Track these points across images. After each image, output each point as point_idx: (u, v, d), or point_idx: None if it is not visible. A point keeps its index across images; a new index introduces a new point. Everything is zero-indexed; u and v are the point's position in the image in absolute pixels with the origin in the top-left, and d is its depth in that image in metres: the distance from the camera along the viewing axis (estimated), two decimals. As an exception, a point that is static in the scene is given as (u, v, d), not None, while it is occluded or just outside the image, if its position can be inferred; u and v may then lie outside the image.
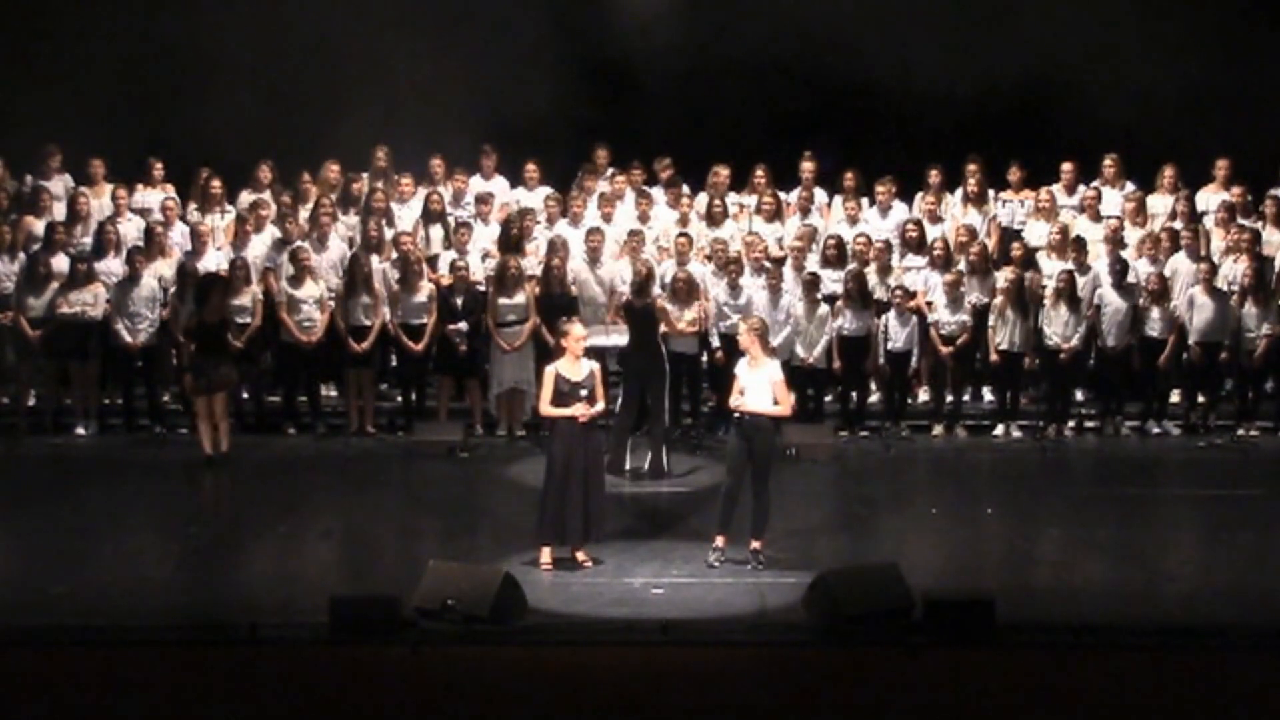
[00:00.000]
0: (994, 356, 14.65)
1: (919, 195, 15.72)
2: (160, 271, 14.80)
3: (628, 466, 13.26)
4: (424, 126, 15.57)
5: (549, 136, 15.99)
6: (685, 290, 13.92)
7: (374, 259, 14.83)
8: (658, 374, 13.35)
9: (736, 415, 10.74)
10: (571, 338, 10.85)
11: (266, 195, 15.56)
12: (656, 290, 14.00)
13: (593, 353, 14.42)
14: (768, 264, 14.74)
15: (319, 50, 15.94)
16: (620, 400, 13.51)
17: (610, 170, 15.99)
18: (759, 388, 10.70)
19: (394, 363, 15.22)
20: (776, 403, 10.74)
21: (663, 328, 13.56)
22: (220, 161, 15.69)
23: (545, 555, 10.63)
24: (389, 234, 15.18)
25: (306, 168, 15.75)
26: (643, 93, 16.55)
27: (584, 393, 10.68)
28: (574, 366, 10.78)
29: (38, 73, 15.79)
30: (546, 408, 10.80)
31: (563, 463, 10.64)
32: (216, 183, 15.54)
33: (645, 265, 13.80)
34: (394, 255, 14.90)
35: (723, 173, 15.66)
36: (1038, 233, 15.33)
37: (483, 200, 15.51)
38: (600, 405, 10.86)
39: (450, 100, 15.37)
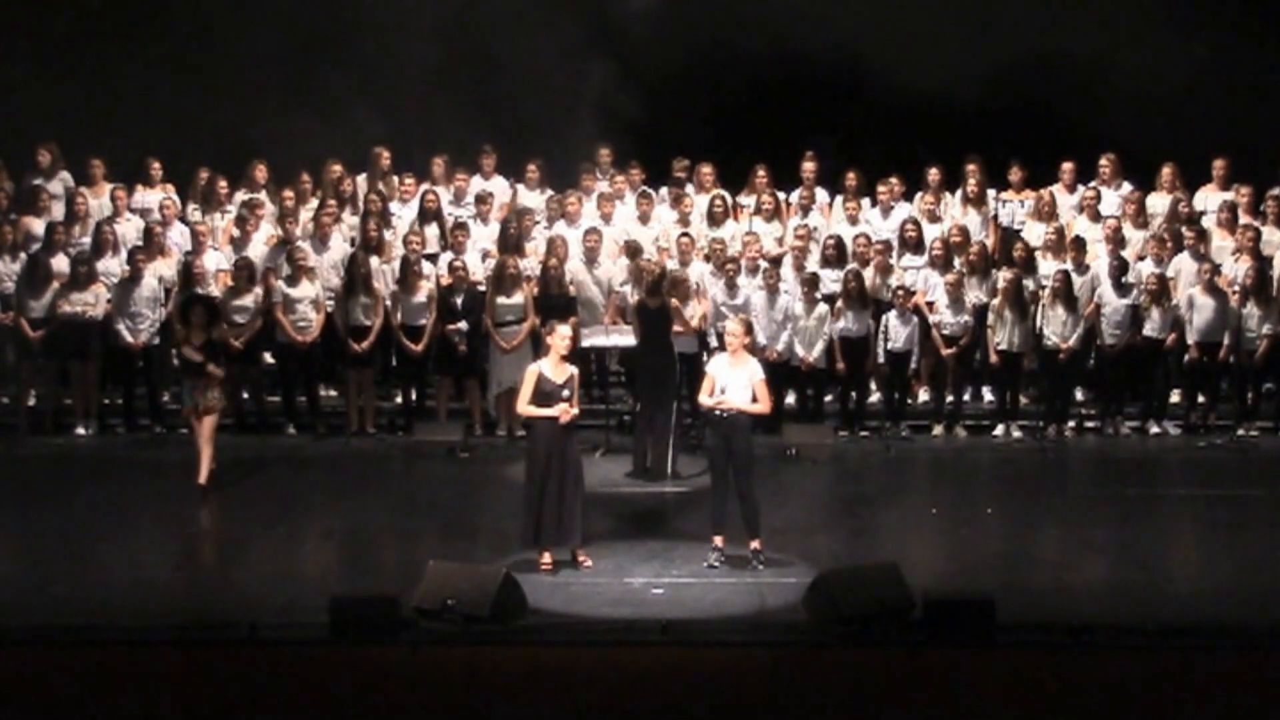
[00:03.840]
0: (994, 357, 14.66)
1: (918, 195, 15.73)
2: (160, 271, 14.81)
3: (670, 471, 13.13)
4: (427, 126, 15.60)
5: (550, 136, 16.01)
6: (684, 290, 13.92)
7: (374, 259, 14.84)
8: (669, 375, 13.34)
9: (719, 414, 10.72)
10: (557, 336, 10.82)
11: (263, 195, 15.59)
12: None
13: (594, 353, 14.57)
14: (763, 264, 14.76)
15: (319, 49, 16.00)
16: (640, 404, 13.49)
17: (610, 171, 15.99)
18: (739, 386, 10.69)
19: (394, 363, 15.22)
20: (756, 400, 10.73)
21: (676, 327, 13.53)
22: (220, 162, 15.72)
23: (545, 556, 10.62)
24: (387, 235, 15.20)
25: (306, 168, 15.78)
26: (643, 92, 16.55)
27: (566, 393, 10.67)
28: (557, 368, 10.76)
29: (38, 72, 15.81)
30: (525, 406, 10.74)
31: (542, 464, 10.60)
32: (223, 182, 15.57)
33: (658, 265, 13.81)
34: (395, 256, 14.93)
35: (706, 171, 15.70)
36: (1037, 233, 15.34)
37: (482, 200, 15.52)
38: (576, 410, 10.81)
39: (456, 98, 15.43)
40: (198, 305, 13.02)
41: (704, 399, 10.80)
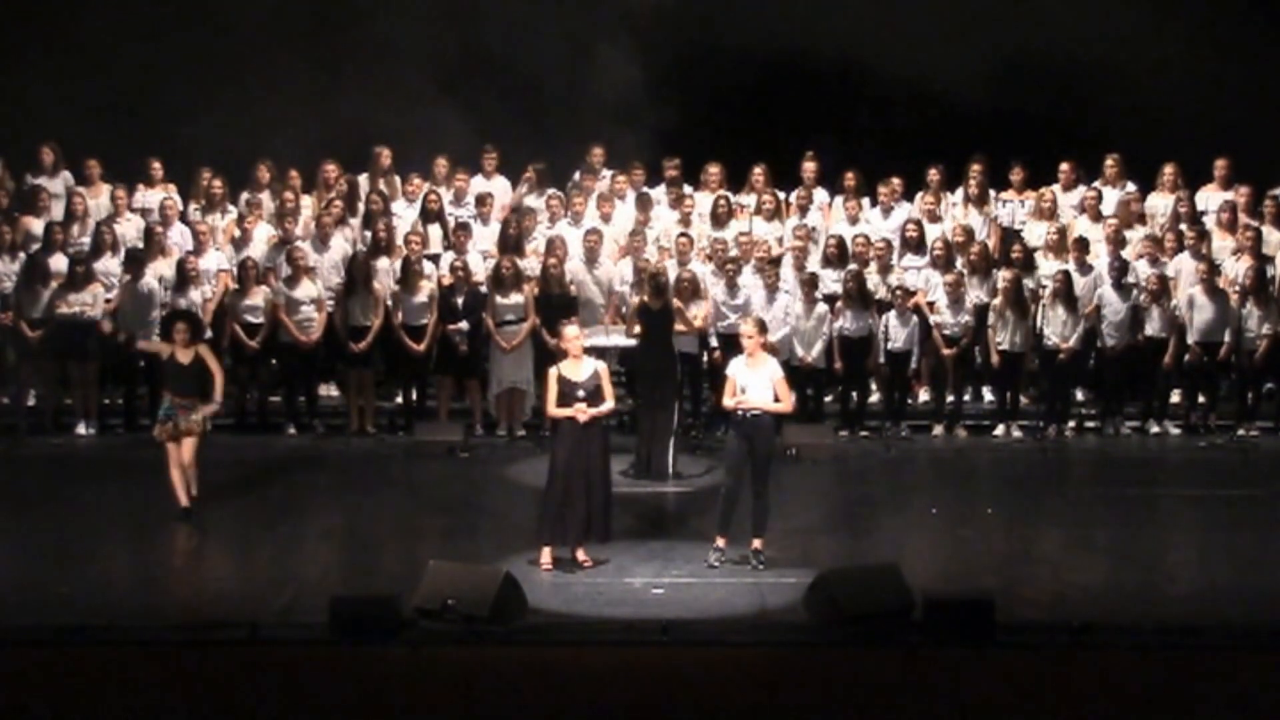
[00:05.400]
0: (995, 358, 14.65)
1: (919, 195, 15.73)
2: (160, 271, 14.81)
3: (671, 471, 13.17)
4: (431, 125, 15.60)
5: (548, 135, 16.01)
6: (690, 290, 13.93)
7: (383, 260, 14.84)
8: (670, 376, 13.36)
9: (739, 414, 10.71)
10: (565, 338, 10.86)
11: (264, 195, 15.58)
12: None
13: (592, 353, 14.55)
14: (766, 265, 14.76)
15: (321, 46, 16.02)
16: (640, 405, 13.49)
17: (608, 171, 15.96)
18: (760, 385, 10.67)
19: (395, 363, 15.20)
20: (778, 400, 10.73)
21: (677, 327, 13.53)
22: (220, 162, 15.72)
23: (545, 555, 10.63)
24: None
25: (304, 167, 15.78)
26: (642, 92, 16.55)
27: (581, 393, 10.68)
28: (576, 367, 10.78)
29: (37, 72, 15.81)
30: (551, 409, 10.82)
31: (564, 463, 10.64)
32: (218, 183, 15.56)
33: (660, 267, 13.83)
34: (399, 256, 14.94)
35: (714, 171, 15.70)
36: (1037, 233, 15.35)
37: (482, 201, 15.52)
38: (608, 405, 10.81)
39: (457, 97, 15.44)
40: (179, 320, 12.17)
41: (727, 401, 10.79)
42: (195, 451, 11.86)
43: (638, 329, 13.35)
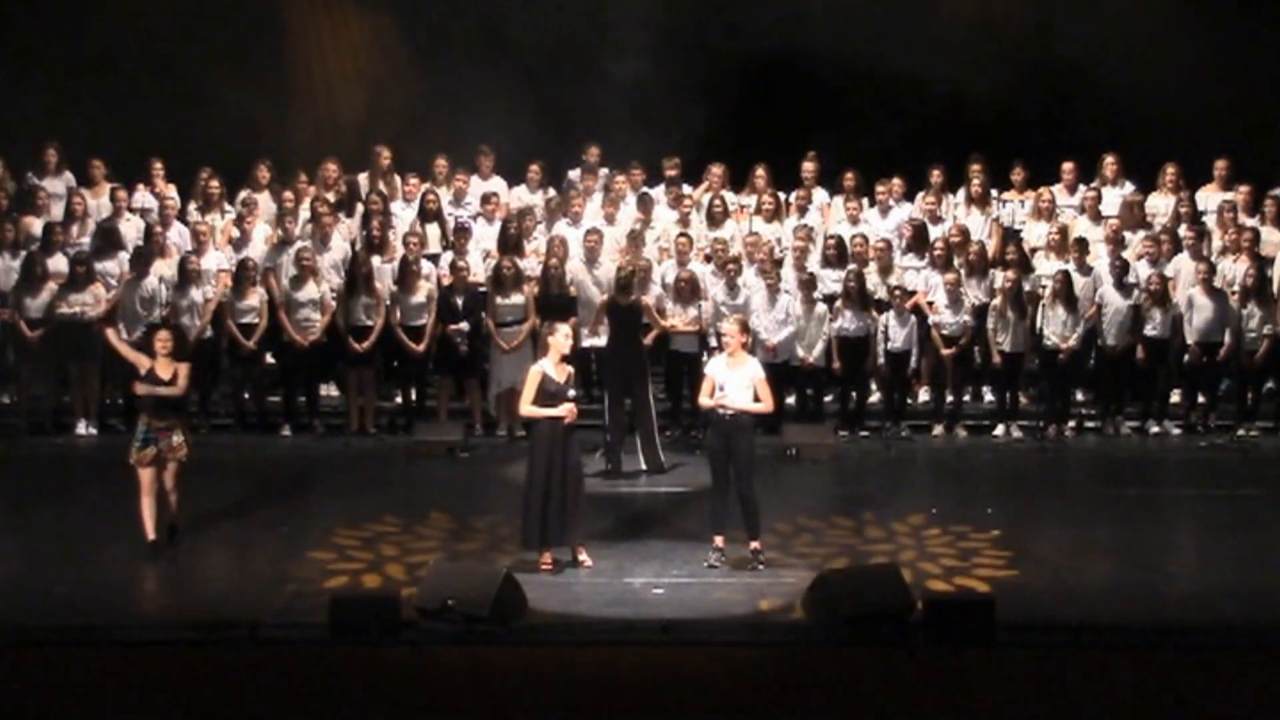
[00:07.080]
0: (995, 358, 14.65)
1: (919, 195, 15.72)
2: (160, 272, 14.81)
3: (625, 469, 13.26)
4: (423, 119, 15.62)
5: (548, 135, 16.02)
6: (689, 290, 13.93)
7: (376, 259, 14.84)
8: (639, 374, 13.37)
9: (720, 412, 10.70)
10: (560, 336, 10.81)
11: (263, 195, 15.58)
12: (657, 289, 14.14)
13: (593, 353, 14.57)
14: (768, 266, 14.77)
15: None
16: (607, 403, 13.50)
17: (606, 170, 15.95)
18: (739, 385, 10.66)
19: (394, 363, 15.19)
20: (758, 400, 10.71)
21: (665, 322, 13.53)
22: (220, 162, 15.72)
23: (545, 556, 10.63)
24: (390, 234, 15.19)
25: (305, 168, 15.78)
26: (646, 92, 16.57)
27: (572, 393, 10.68)
28: (558, 368, 10.77)
29: (38, 73, 15.82)
30: (528, 407, 10.75)
31: (545, 465, 10.60)
32: (215, 183, 15.55)
33: (629, 264, 13.82)
34: (396, 256, 14.93)
35: (717, 171, 15.70)
36: (1037, 233, 15.35)
37: (485, 200, 15.52)
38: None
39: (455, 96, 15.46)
40: (161, 331, 11.47)
41: (704, 400, 10.78)
42: (176, 476, 11.07)
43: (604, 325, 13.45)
